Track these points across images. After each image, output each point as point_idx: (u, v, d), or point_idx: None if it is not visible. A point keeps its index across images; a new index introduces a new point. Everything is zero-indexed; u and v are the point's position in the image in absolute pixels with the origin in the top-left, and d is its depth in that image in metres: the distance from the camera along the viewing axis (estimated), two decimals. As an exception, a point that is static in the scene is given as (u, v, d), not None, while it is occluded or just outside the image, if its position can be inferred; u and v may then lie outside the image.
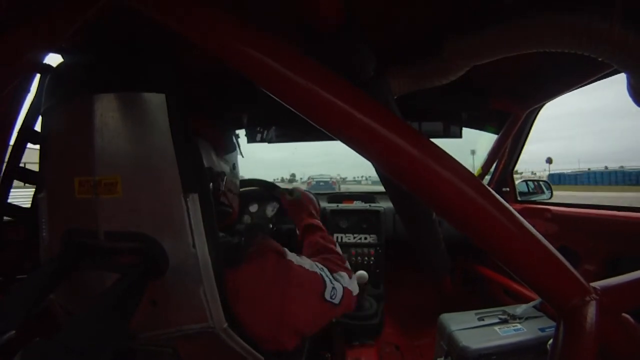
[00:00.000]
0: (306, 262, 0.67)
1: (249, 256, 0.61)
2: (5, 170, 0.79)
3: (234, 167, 0.78)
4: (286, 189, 1.15)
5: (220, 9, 0.47)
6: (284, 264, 0.63)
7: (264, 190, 1.40)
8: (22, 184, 0.81)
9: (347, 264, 0.82)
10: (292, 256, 0.65)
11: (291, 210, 1.06)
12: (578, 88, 1.15)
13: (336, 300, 0.68)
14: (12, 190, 0.82)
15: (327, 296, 0.67)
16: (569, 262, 0.45)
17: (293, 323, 0.61)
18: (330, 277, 0.70)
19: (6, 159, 0.77)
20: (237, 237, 0.63)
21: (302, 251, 0.85)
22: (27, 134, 0.77)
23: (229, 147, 0.77)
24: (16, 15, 0.48)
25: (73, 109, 0.57)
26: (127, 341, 0.59)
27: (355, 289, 0.78)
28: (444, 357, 1.16)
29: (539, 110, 1.51)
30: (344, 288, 0.72)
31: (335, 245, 0.88)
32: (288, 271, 0.62)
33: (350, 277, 0.77)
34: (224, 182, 0.71)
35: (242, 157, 0.85)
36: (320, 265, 0.70)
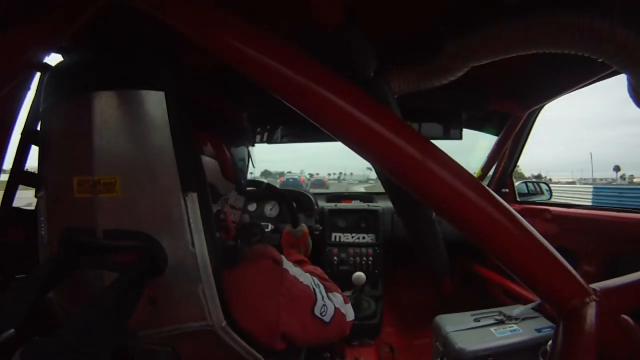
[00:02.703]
0: (301, 274, 0.67)
1: (245, 259, 0.61)
2: (10, 174, 0.79)
3: (241, 182, 0.75)
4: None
5: (220, 8, 0.47)
6: (279, 272, 0.63)
7: (264, 190, 1.40)
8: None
9: (341, 292, 0.82)
10: (288, 265, 0.65)
11: (285, 241, 1.13)
12: (578, 89, 1.15)
13: (326, 319, 0.68)
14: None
15: (317, 312, 0.66)
16: (568, 262, 0.45)
17: (285, 330, 0.62)
18: (324, 294, 0.69)
19: (6, 158, 0.76)
20: (233, 239, 0.63)
21: None
22: (30, 135, 0.77)
23: (240, 150, 0.74)
24: (17, 15, 0.48)
25: (72, 107, 0.57)
26: (126, 340, 0.59)
27: (350, 315, 0.77)
28: (440, 359, 1.16)
29: (539, 111, 1.51)
30: (336, 308, 0.71)
31: (326, 277, 0.90)
32: (281, 279, 0.62)
33: (345, 303, 0.77)
34: (228, 203, 0.70)
35: (254, 167, 0.84)
36: (316, 281, 0.71)
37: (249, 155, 0.80)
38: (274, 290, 0.61)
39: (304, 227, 1.15)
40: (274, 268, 0.63)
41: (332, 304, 0.71)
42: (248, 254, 0.62)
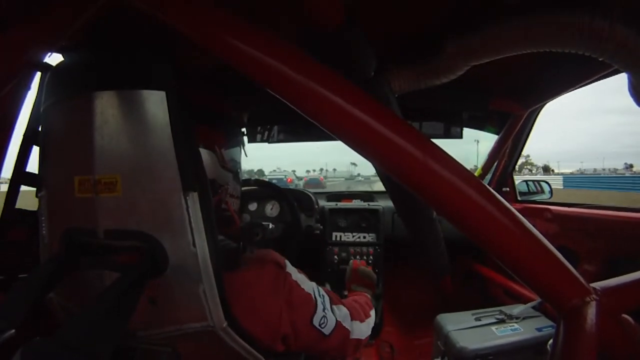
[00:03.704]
0: (304, 281, 0.67)
1: (248, 263, 0.61)
2: (12, 175, 0.79)
3: (237, 172, 0.77)
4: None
5: (220, 8, 0.47)
6: (282, 277, 0.63)
7: (264, 189, 1.40)
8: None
9: (372, 313, 0.82)
10: (291, 269, 0.65)
11: (354, 278, 1.09)
12: (579, 87, 1.15)
13: (326, 331, 0.67)
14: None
15: (316, 322, 0.65)
16: (568, 262, 0.45)
17: (285, 333, 0.62)
18: (326, 306, 0.68)
19: (6, 158, 0.76)
20: (236, 242, 0.64)
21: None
22: (31, 135, 0.77)
23: (233, 151, 0.76)
24: (17, 15, 0.48)
25: (73, 107, 0.57)
26: (127, 340, 0.59)
27: (356, 332, 0.75)
28: (441, 358, 1.16)
29: (540, 110, 1.51)
30: (337, 322, 0.70)
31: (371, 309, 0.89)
32: (284, 284, 0.62)
33: (354, 319, 0.75)
34: (228, 192, 0.71)
35: (246, 156, 0.85)
36: (322, 292, 0.70)
37: (242, 144, 0.82)
38: (277, 294, 0.61)
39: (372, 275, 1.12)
40: (277, 272, 0.63)
41: (334, 317, 0.69)
42: (250, 258, 0.62)
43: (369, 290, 1.05)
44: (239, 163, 0.80)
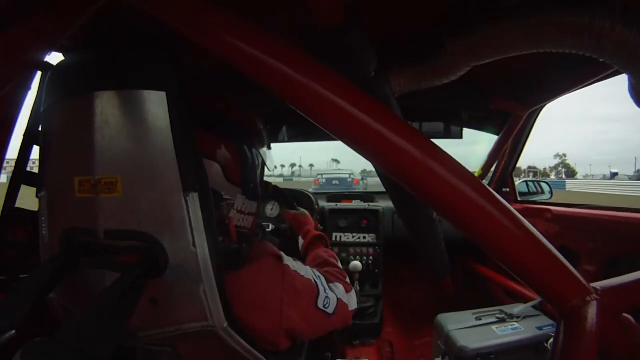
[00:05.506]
0: (302, 268, 0.67)
1: (247, 260, 0.61)
2: (12, 174, 0.79)
3: (249, 186, 0.71)
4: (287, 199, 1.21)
5: (221, 7, 0.47)
6: (280, 268, 0.63)
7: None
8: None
9: (347, 279, 0.83)
10: (288, 260, 0.66)
11: (295, 223, 1.13)
12: (579, 88, 1.15)
13: (329, 310, 0.68)
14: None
15: (320, 304, 0.67)
16: (568, 262, 0.45)
17: (289, 327, 0.62)
18: (325, 286, 0.70)
19: (6, 158, 0.76)
20: (237, 242, 0.63)
21: (306, 262, 0.87)
22: (32, 135, 0.77)
23: (246, 164, 0.70)
24: (17, 13, 0.48)
25: (73, 107, 0.57)
26: (127, 340, 0.59)
27: (352, 304, 0.78)
28: (442, 357, 1.16)
29: (540, 111, 1.51)
30: (338, 299, 0.71)
31: (337, 260, 0.91)
32: (283, 276, 0.62)
33: (347, 291, 0.78)
34: (234, 207, 0.68)
35: (269, 170, 0.83)
36: (317, 273, 0.71)
37: (263, 158, 0.78)
38: (275, 287, 0.61)
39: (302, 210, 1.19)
40: (275, 265, 0.63)
41: (334, 294, 0.71)
42: (249, 254, 0.62)
43: (321, 243, 1.03)
44: (259, 169, 0.76)
